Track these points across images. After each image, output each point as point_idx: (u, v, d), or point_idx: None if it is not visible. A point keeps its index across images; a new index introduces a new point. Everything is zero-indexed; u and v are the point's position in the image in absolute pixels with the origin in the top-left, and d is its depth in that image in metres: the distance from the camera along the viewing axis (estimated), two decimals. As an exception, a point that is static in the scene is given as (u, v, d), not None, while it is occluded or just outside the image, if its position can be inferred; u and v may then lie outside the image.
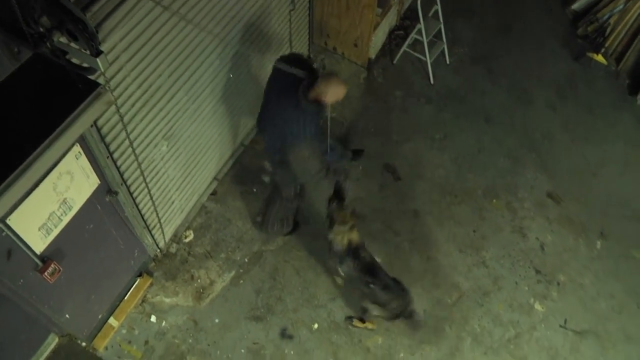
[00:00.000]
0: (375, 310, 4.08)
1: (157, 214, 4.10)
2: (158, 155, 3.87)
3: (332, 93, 3.60)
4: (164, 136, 3.84)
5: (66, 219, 3.11)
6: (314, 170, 3.92)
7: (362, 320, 4.33)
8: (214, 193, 4.89)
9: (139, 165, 3.61)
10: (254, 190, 4.93)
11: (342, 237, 3.93)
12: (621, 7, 5.69)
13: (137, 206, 3.81)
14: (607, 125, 5.66)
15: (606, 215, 5.09)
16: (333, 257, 4.08)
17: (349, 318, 4.40)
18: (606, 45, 5.90)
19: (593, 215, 5.07)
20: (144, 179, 3.71)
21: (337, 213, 3.99)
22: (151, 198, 3.91)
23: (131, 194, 3.69)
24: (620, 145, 5.53)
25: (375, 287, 3.93)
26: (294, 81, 3.69)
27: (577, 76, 5.96)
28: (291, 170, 3.94)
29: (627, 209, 5.13)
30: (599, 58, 5.93)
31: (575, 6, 6.27)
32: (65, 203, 3.03)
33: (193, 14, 3.50)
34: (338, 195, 4.07)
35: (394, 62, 5.78)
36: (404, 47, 5.70)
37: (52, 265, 3.15)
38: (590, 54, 5.94)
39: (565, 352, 4.42)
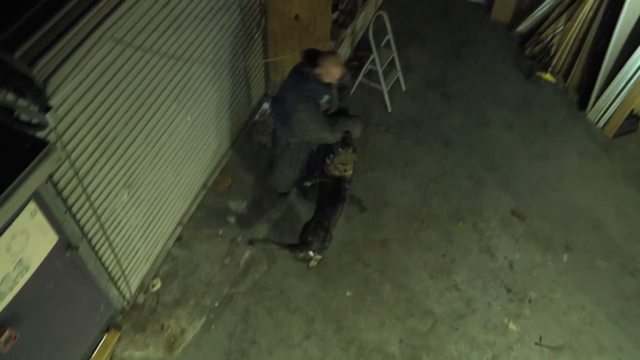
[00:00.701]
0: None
1: (121, 265, 3.99)
2: (119, 205, 3.79)
3: (327, 71, 3.97)
4: (124, 185, 3.77)
5: (22, 281, 2.96)
6: (314, 129, 4.23)
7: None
8: (179, 238, 4.80)
9: (99, 217, 3.52)
10: (220, 232, 4.86)
11: (337, 170, 4.47)
12: (561, 28, 5.91)
13: (99, 259, 3.70)
14: (562, 140, 5.80)
15: (569, 227, 5.18)
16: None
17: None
18: (553, 63, 6.10)
19: (557, 229, 5.15)
20: (104, 232, 3.62)
21: (343, 154, 4.43)
22: (113, 250, 3.81)
23: (93, 247, 3.59)
24: (575, 158, 5.68)
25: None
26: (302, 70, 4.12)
27: (529, 95, 6.12)
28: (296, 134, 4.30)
29: (588, 220, 5.23)
30: (548, 76, 6.11)
31: (520, 28, 6.49)
32: (21, 264, 2.90)
33: (144, 62, 3.48)
34: (345, 142, 4.46)
35: (350, 93, 5.83)
36: (360, 78, 5.77)
37: (7, 332, 2.96)
38: (539, 73, 6.13)
39: (543, 369, 4.44)
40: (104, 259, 3.76)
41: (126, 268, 4.11)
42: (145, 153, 3.89)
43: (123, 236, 3.96)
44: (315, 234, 4.28)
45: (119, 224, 3.84)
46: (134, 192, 3.90)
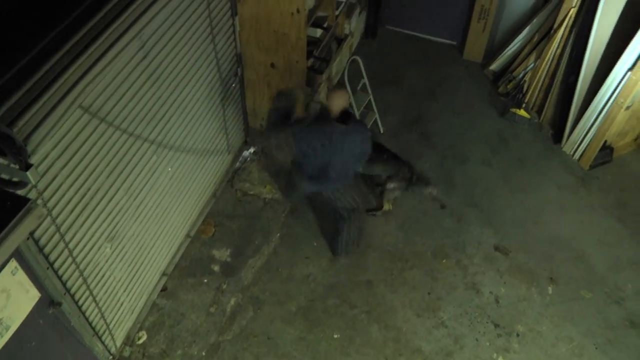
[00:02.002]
0: (391, 184, 5.15)
1: (105, 319, 3.97)
2: (102, 258, 3.80)
3: (336, 103, 4.11)
4: (107, 238, 3.78)
5: (2, 342, 2.92)
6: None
7: (381, 206, 5.31)
8: (164, 289, 4.79)
9: (82, 272, 3.52)
10: (205, 280, 4.86)
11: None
12: (532, 65, 6.10)
13: (83, 314, 3.67)
14: (540, 173, 5.91)
15: (553, 260, 5.23)
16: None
17: (369, 211, 5.32)
18: (526, 100, 6.27)
19: (540, 262, 5.20)
20: (88, 286, 3.61)
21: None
22: (97, 304, 3.79)
23: (76, 303, 3.57)
24: (554, 191, 5.77)
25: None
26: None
27: (505, 131, 6.26)
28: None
29: (571, 251, 5.29)
30: (522, 112, 6.27)
31: (493, 67, 6.69)
32: (1, 323, 2.88)
33: (123, 117, 3.55)
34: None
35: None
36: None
37: (-11, 394, 2.93)
38: (513, 110, 6.28)
39: (535, 404, 4.41)
40: (87, 313, 3.74)
41: (111, 322, 4.08)
42: (127, 205, 3.93)
43: (107, 290, 3.95)
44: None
45: (102, 277, 3.83)
46: (117, 245, 3.92)
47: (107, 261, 3.84)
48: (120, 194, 3.80)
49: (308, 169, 4.38)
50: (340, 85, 4.29)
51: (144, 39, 3.58)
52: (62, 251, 3.29)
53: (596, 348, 4.69)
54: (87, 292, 3.65)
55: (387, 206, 5.38)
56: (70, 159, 3.15)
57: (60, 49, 2.57)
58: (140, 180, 4.01)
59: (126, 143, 3.70)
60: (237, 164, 5.61)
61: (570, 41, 5.71)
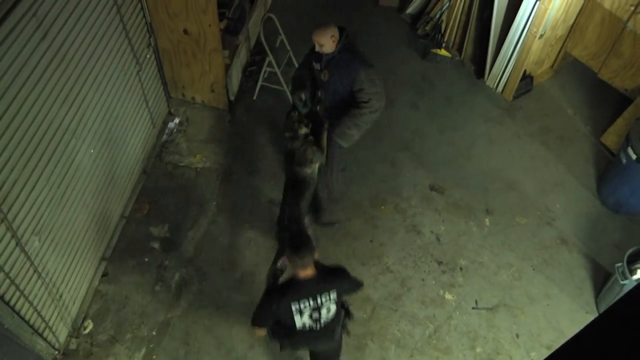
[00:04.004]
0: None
1: (43, 316, 3.82)
2: (33, 252, 3.63)
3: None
4: (33, 232, 3.61)
5: None
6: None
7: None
8: (105, 274, 4.65)
9: (8, 272, 3.35)
10: (146, 260, 4.75)
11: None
12: (447, 4, 6.12)
13: (17, 314, 3.52)
14: (466, 109, 6.02)
15: (487, 192, 5.39)
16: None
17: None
18: (445, 39, 6.31)
19: (475, 195, 5.35)
20: (17, 286, 3.45)
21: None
22: (30, 302, 3.64)
23: (7, 303, 3.41)
24: (482, 124, 5.91)
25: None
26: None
27: (428, 72, 6.31)
28: None
29: (503, 181, 5.47)
30: (443, 52, 6.31)
31: (409, 10, 6.67)
32: None
33: (30, 104, 3.35)
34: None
35: (255, 98, 5.82)
36: (260, 82, 5.77)
37: None
38: (434, 50, 6.31)
39: (484, 331, 4.60)
40: (22, 312, 3.58)
41: (50, 317, 3.94)
42: (51, 195, 3.75)
43: (42, 284, 3.79)
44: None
45: (35, 272, 3.67)
46: (45, 237, 3.75)
47: (37, 255, 3.68)
48: (41, 184, 3.62)
49: None
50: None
51: (40, 16, 3.36)
52: (-17, 252, 3.13)
53: (533, 269, 4.91)
54: (17, 292, 3.49)
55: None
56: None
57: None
58: (61, 166, 3.82)
59: (39, 130, 3.50)
60: (164, 137, 5.44)
61: (481, -23, 5.75)
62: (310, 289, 3.31)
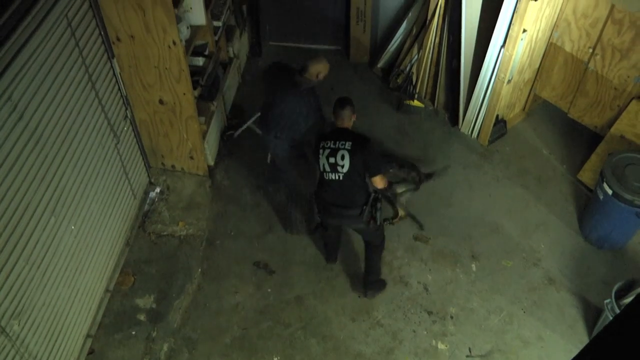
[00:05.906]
0: (400, 188, 5.35)
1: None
2: (13, 336, 3.56)
3: (322, 70, 4.73)
4: (12, 315, 3.55)
5: None
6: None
7: (396, 215, 5.45)
8: (91, 352, 4.55)
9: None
10: (133, 332, 4.66)
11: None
12: (416, 56, 6.31)
13: (-2, 401, 3.44)
14: (444, 157, 6.11)
15: (471, 237, 5.41)
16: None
17: (386, 220, 5.40)
18: (417, 90, 6.47)
19: (460, 242, 5.37)
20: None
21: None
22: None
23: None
24: (460, 171, 5.98)
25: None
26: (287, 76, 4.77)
27: (403, 124, 6.43)
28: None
29: (485, 225, 5.50)
30: (416, 103, 6.46)
31: (380, 65, 6.87)
32: None
33: (6, 187, 3.36)
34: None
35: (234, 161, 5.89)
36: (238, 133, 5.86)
37: None
38: (407, 102, 6.45)
39: (480, 379, 4.53)
40: (4, 400, 3.50)
41: (34, 401, 3.84)
42: (31, 276, 3.71)
43: (24, 368, 3.71)
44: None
45: (14, 356, 3.59)
46: (26, 319, 3.68)
47: (17, 338, 3.61)
48: (20, 265, 3.58)
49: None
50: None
51: (15, 99, 3.42)
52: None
53: (524, 312, 4.88)
54: (-2, 378, 3.42)
55: (401, 212, 5.47)
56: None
57: None
58: (41, 245, 3.80)
59: (17, 211, 3.50)
60: (146, 207, 5.45)
61: (446, 28, 5.94)
62: (336, 134, 4.27)
